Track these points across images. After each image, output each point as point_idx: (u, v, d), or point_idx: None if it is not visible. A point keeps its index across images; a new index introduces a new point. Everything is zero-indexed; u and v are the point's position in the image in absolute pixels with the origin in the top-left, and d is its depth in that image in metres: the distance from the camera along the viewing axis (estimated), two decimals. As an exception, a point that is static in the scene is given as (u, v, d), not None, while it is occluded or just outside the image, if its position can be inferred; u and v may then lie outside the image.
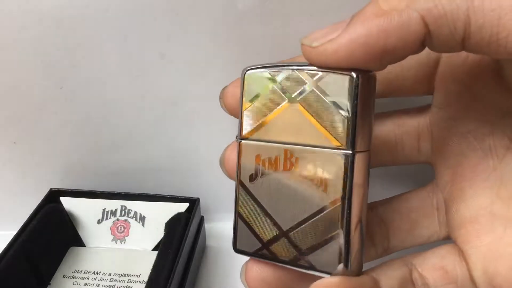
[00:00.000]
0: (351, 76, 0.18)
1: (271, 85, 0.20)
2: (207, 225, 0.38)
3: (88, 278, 0.34)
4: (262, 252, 0.20)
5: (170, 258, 0.31)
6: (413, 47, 0.17)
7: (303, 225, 0.19)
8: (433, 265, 0.20)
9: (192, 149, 0.37)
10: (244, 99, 0.21)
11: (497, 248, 0.18)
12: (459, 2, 0.15)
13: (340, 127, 0.18)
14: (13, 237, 0.32)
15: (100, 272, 0.35)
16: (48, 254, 0.35)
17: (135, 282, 0.34)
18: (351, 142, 0.18)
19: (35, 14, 0.30)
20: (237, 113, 0.21)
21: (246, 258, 0.22)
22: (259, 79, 0.20)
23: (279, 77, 0.20)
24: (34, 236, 0.33)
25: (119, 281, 0.34)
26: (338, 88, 0.18)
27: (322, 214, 0.19)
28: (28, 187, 0.38)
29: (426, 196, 0.23)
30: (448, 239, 0.22)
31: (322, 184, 0.18)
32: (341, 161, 0.18)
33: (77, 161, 0.38)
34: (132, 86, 0.34)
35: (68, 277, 0.35)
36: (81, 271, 0.35)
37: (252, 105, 0.21)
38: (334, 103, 0.18)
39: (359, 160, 0.18)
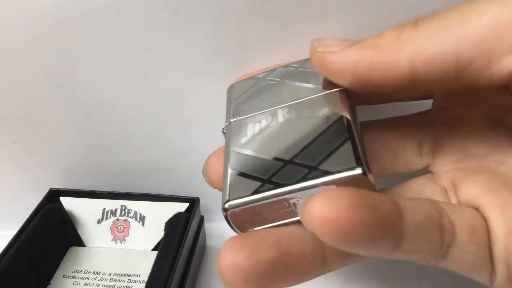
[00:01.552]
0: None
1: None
2: (207, 225, 0.38)
3: (88, 278, 0.34)
4: (264, 187, 0.18)
5: (170, 258, 0.31)
6: (398, 85, 0.17)
7: (309, 147, 0.19)
8: (465, 219, 0.18)
9: (192, 149, 0.37)
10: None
11: None
12: (445, 43, 0.16)
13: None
14: (13, 237, 0.32)
15: (100, 272, 0.35)
16: (48, 254, 0.35)
17: (135, 282, 0.34)
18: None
19: (35, 14, 0.30)
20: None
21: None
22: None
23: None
24: (34, 236, 0.33)
25: (119, 281, 0.34)
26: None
27: (327, 130, 0.19)
28: (27, 187, 0.38)
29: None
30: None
31: (322, 114, 0.20)
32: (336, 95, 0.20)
33: (77, 161, 0.38)
34: (132, 86, 0.34)
35: (68, 277, 0.35)
36: (81, 271, 0.35)
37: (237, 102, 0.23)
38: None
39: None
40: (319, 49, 0.19)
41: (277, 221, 0.19)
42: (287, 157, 0.19)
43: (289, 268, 0.17)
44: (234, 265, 0.17)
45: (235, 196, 0.19)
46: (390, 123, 0.23)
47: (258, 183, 0.18)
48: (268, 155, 0.19)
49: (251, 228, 0.19)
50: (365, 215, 0.15)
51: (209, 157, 0.22)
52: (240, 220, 0.19)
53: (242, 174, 0.19)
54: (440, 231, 0.17)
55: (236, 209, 0.19)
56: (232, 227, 0.19)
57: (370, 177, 0.17)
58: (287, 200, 0.18)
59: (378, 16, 0.28)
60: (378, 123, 0.23)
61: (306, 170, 0.18)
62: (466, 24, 0.15)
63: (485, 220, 0.18)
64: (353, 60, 0.18)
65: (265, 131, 0.21)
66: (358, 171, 0.17)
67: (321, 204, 0.15)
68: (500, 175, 0.20)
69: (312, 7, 0.29)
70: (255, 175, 0.19)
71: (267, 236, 0.18)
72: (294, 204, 0.18)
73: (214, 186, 0.22)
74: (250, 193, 0.18)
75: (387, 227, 0.16)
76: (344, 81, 0.19)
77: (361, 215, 0.15)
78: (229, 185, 0.19)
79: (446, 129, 0.22)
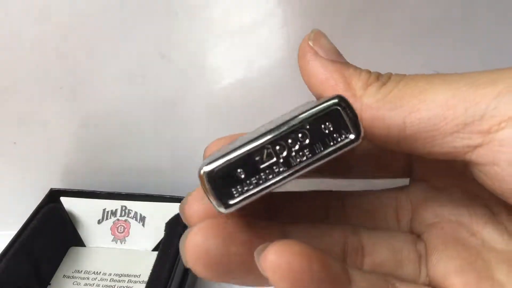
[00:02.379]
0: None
1: None
2: (207, 225, 0.38)
3: (88, 278, 0.34)
4: (241, 147, 0.16)
5: (170, 259, 0.31)
6: None
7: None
8: None
9: (192, 148, 0.37)
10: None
11: None
12: (398, 111, 0.17)
13: None
14: (13, 237, 0.32)
15: (100, 272, 0.35)
16: (48, 254, 0.35)
17: (135, 282, 0.34)
18: None
19: (35, 14, 0.30)
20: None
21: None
22: None
23: None
24: (34, 236, 0.33)
25: (119, 281, 0.34)
26: None
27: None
28: (28, 187, 0.38)
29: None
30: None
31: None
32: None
33: (77, 161, 0.38)
34: (132, 86, 0.34)
35: (68, 277, 0.35)
36: (81, 271, 0.35)
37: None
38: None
39: None
40: (310, 43, 0.19)
41: (262, 182, 0.16)
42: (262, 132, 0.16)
43: (253, 269, 0.17)
44: (202, 248, 0.17)
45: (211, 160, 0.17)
46: (370, 194, 0.23)
47: (235, 146, 0.16)
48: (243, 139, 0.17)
49: (231, 193, 0.16)
50: (314, 266, 0.16)
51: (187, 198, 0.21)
52: (218, 182, 0.16)
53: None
54: None
55: (215, 168, 0.16)
56: (209, 195, 0.16)
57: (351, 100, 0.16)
58: (268, 148, 0.16)
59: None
60: (358, 193, 0.23)
61: (286, 121, 0.16)
62: (421, 99, 0.17)
63: None
64: (320, 75, 0.19)
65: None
66: (337, 99, 0.16)
67: (276, 252, 0.16)
68: (471, 250, 0.20)
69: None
70: (233, 147, 0.17)
71: (243, 230, 0.18)
72: (276, 152, 0.16)
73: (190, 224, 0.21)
74: (226, 153, 0.16)
75: (335, 283, 0.16)
76: (307, 85, 0.19)
77: (311, 265, 0.16)
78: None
79: (423, 199, 0.22)
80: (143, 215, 0.37)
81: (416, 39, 0.30)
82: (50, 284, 0.34)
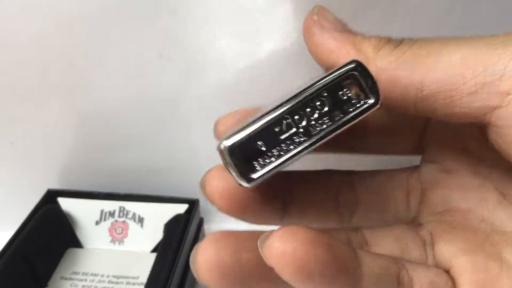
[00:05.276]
0: None
1: None
2: (206, 227, 0.38)
3: (86, 280, 0.34)
4: (259, 119, 0.16)
5: (169, 260, 0.31)
6: None
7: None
8: (426, 275, 0.18)
9: (191, 149, 0.37)
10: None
11: (491, 287, 0.18)
12: (414, 71, 0.17)
13: None
14: (10, 238, 0.32)
15: (98, 274, 0.35)
16: (45, 255, 0.34)
17: (133, 284, 0.34)
18: None
19: (34, 14, 0.30)
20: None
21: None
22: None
23: None
24: (31, 237, 0.33)
25: (117, 283, 0.34)
26: None
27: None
28: (25, 188, 0.38)
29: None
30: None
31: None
32: None
33: (75, 161, 0.38)
34: (130, 86, 0.34)
35: (66, 278, 0.34)
36: (79, 272, 0.35)
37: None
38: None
39: None
40: (315, 17, 0.19)
41: (283, 154, 0.16)
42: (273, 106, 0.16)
43: (267, 276, 0.17)
44: (214, 260, 0.17)
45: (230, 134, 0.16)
46: (382, 174, 0.23)
47: (254, 119, 0.16)
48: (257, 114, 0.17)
49: (253, 167, 0.16)
50: (320, 252, 0.15)
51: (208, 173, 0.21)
52: (240, 156, 0.16)
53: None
54: (398, 284, 0.18)
55: (236, 142, 0.16)
56: (231, 169, 0.16)
57: (365, 63, 0.16)
58: (287, 119, 0.16)
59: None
60: (370, 173, 0.23)
61: (303, 89, 0.16)
62: (437, 60, 0.17)
63: (453, 282, 0.19)
64: (330, 45, 0.18)
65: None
66: (353, 64, 0.16)
67: (280, 238, 0.15)
68: (479, 234, 0.20)
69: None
70: (251, 120, 0.16)
71: (252, 238, 0.17)
72: (295, 122, 0.16)
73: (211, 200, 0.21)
74: (244, 126, 0.16)
75: (342, 268, 0.16)
76: (315, 59, 0.19)
77: (316, 252, 0.15)
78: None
79: (433, 182, 0.22)
80: (141, 216, 0.37)
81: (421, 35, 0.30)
82: (47, 285, 0.34)
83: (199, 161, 0.37)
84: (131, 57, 0.32)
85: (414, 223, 0.22)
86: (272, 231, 0.16)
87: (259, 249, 0.16)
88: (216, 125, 0.22)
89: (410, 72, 0.17)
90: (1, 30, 0.31)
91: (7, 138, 0.36)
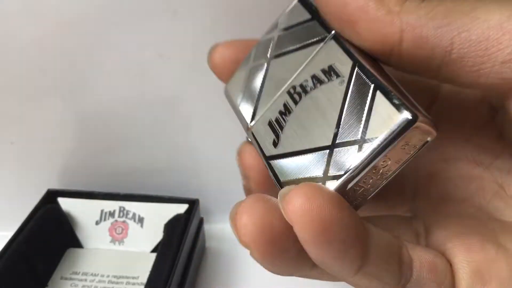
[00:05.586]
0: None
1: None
2: (206, 227, 0.38)
3: (86, 280, 0.34)
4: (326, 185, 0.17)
5: (169, 260, 0.31)
6: (383, 47, 0.16)
7: (343, 120, 0.17)
8: (426, 257, 0.18)
9: (192, 149, 0.37)
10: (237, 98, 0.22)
11: (488, 269, 0.17)
12: (445, 30, 0.15)
13: None
14: (10, 238, 0.32)
15: (98, 274, 0.35)
16: (45, 255, 0.34)
17: (134, 284, 0.34)
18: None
19: (34, 14, 0.30)
20: (224, 75, 0.21)
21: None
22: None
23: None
24: (31, 238, 0.33)
25: (117, 283, 0.34)
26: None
27: (348, 89, 0.17)
28: (25, 188, 0.38)
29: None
30: None
31: (333, 74, 0.17)
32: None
33: (75, 161, 0.38)
34: (130, 86, 0.34)
35: (66, 278, 0.34)
36: (79, 272, 0.35)
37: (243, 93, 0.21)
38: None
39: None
40: None
41: None
42: (328, 143, 0.17)
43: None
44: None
45: None
46: None
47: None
48: (308, 149, 0.17)
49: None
50: (345, 215, 0.15)
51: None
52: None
53: (296, 181, 0.18)
54: (399, 262, 0.17)
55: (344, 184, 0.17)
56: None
57: (421, 118, 0.15)
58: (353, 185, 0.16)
59: None
60: None
61: (356, 147, 0.16)
62: (472, 19, 0.15)
63: (450, 264, 0.18)
64: (347, 3, 0.16)
65: (288, 124, 0.19)
66: (405, 116, 0.15)
67: (305, 194, 0.14)
68: (476, 220, 0.19)
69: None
70: (309, 176, 0.17)
71: None
72: (362, 183, 0.16)
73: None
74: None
75: (359, 236, 0.15)
76: (327, 16, 0.18)
77: (341, 214, 0.15)
78: None
79: (430, 171, 0.21)
80: (141, 216, 0.37)
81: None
82: (47, 285, 0.34)
83: (199, 161, 0.37)
84: (131, 57, 0.32)
85: (408, 213, 0.21)
86: (294, 186, 0.15)
87: (279, 204, 0.15)
88: (212, 53, 0.22)
89: (441, 31, 0.15)
90: (1, 30, 0.31)
91: (7, 138, 0.36)
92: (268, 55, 0.21)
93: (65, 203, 0.37)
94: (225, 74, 0.22)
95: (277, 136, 0.19)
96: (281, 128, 0.19)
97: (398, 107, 0.15)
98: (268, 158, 0.19)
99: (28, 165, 0.38)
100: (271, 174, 0.19)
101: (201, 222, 0.37)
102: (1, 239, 0.32)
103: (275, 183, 0.18)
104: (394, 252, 0.17)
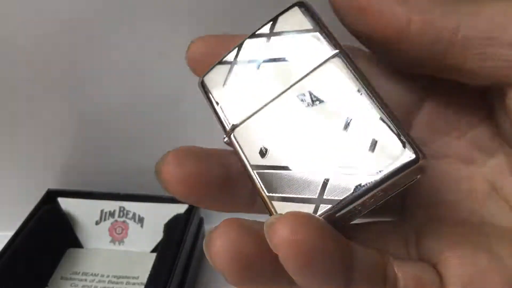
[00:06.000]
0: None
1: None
2: (206, 227, 0.38)
3: (86, 280, 0.34)
4: (320, 209, 0.17)
5: (169, 260, 0.31)
6: (392, 34, 0.16)
7: (343, 147, 0.17)
8: (412, 270, 0.17)
9: (191, 149, 0.37)
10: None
11: (479, 282, 0.17)
12: (452, 13, 0.15)
13: None
14: (10, 238, 0.32)
15: (98, 274, 0.35)
16: (45, 255, 0.34)
17: (134, 284, 0.34)
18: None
19: (35, 14, 0.30)
20: (199, 68, 0.21)
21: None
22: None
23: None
24: (31, 238, 0.33)
25: (117, 283, 0.34)
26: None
27: (352, 116, 0.17)
28: (25, 188, 0.38)
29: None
30: None
31: (334, 96, 0.17)
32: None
33: (75, 161, 0.38)
34: (130, 86, 0.34)
35: (66, 278, 0.34)
36: (79, 272, 0.35)
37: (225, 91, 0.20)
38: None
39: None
40: None
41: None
42: (326, 167, 0.17)
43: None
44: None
45: None
46: None
47: (311, 206, 0.16)
48: (302, 168, 0.17)
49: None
50: (331, 245, 0.15)
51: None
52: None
53: (285, 199, 0.17)
54: (383, 281, 0.17)
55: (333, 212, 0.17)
56: None
57: (422, 161, 0.15)
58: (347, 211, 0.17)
59: None
60: None
61: (356, 177, 0.16)
62: (480, 4, 0.15)
63: (440, 276, 0.17)
64: None
65: (281, 134, 0.18)
66: (409, 156, 0.15)
67: (290, 225, 0.14)
68: (468, 226, 0.19)
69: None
70: (302, 196, 0.17)
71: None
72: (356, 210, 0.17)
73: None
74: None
75: (343, 263, 0.15)
76: (337, 5, 0.18)
77: (328, 245, 0.15)
78: None
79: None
80: (141, 216, 0.37)
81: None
82: (47, 286, 0.34)
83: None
84: (131, 57, 0.32)
85: (398, 218, 0.21)
86: (280, 215, 0.15)
87: (265, 233, 0.15)
88: (188, 48, 0.22)
89: (447, 14, 0.15)
90: (2, 31, 0.31)
91: (8, 138, 0.36)
92: (259, 57, 0.20)
93: (65, 203, 0.37)
94: (199, 68, 0.21)
95: (266, 145, 0.18)
96: (272, 137, 0.18)
97: (403, 144, 0.15)
98: (254, 168, 0.18)
99: (28, 165, 0.38)
100: (255, 183, 0.18)
101: (201, 222, 0.37)
102: (1, 239, 0.32)
103: (259, 193, 0.18)
104: (379, 271, 0.17)
